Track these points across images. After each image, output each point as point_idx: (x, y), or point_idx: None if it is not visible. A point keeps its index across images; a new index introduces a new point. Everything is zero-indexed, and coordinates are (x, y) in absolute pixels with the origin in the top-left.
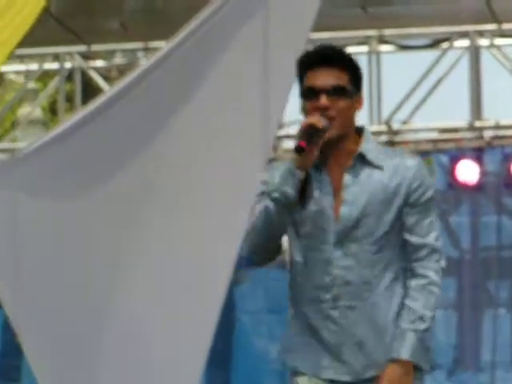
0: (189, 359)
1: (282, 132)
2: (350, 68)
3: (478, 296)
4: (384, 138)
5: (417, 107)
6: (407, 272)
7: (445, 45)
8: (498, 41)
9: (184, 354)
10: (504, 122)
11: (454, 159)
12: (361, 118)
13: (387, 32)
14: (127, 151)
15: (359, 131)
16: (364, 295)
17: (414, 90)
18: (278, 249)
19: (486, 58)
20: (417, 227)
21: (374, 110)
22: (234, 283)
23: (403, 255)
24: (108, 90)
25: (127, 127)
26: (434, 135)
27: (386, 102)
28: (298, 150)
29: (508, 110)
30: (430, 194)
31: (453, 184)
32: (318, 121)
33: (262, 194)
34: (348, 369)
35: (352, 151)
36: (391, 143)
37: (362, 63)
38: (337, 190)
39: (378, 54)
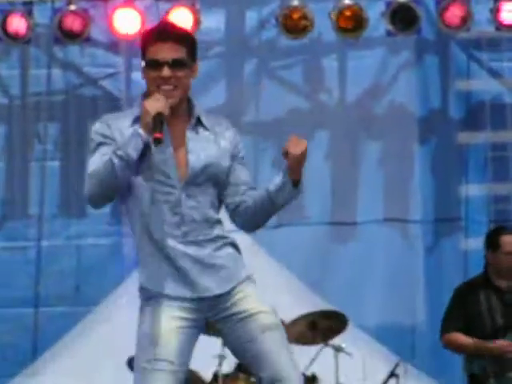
0: None
1: None
2: (187, 42)
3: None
4: None
5: None
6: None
7: None
8: None
9: None
10: None
11: (3, 12)
12: None
13: None
14: None
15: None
16: (206, 231)
17: None
18: (113, 196)
19: None
20: (247, 178)
21: None
22: None
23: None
24: None
25: None
26: None
27: None
28: (157, 142)
29: None
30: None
31: (2, 37)
32: (164, 107)
33: (100, 144)
34: (199, 288)
35: (187, 112)
36: None
37: None
38: (177, 142)
39: None
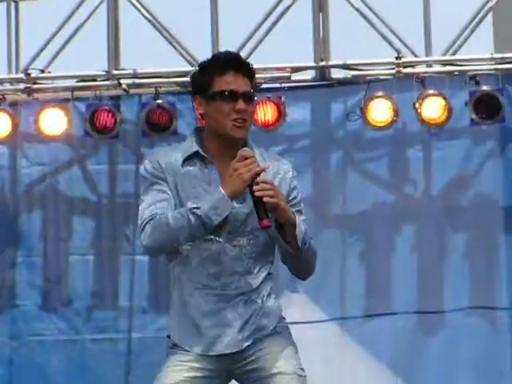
0: None
1: None
2: (253, 76)
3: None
4: (22, 86)
5: (55, 55)
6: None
7: None
8: None
9: None
10: (141, 70)
11: (92, 107)
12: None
13: None
14: None
15: None
16: (248, 283)
17: (52, 38)
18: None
19: (124, 6)
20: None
21: (12, 59)
22: None
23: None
24: None
25: None
26: (72, 83)
27: (24, 51)
28: (266, 228)
29: (145, 58)
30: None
31: (90, 132)
32: (256, 173)
33: (153, 184)
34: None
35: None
36: (29, 91)
37: (1, 11)
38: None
39: (17, 1)
